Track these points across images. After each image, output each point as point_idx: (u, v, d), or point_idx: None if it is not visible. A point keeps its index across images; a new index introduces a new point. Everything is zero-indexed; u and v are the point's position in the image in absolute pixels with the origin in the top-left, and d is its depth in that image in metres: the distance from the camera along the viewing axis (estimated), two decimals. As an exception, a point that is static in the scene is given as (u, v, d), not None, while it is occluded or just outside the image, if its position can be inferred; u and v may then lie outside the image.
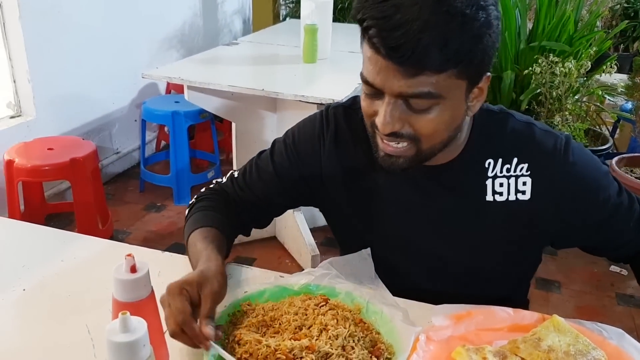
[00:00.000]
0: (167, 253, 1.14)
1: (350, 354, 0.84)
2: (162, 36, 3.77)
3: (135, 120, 3.58)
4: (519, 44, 3.45)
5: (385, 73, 0.84)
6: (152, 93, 3.72)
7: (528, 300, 1.24)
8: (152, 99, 3.34)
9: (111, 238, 2.79)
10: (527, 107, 3.21)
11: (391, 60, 0.82)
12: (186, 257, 1.13)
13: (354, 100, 1.08)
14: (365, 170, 1.06)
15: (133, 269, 0.73)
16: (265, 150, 1.17)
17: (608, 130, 3.42)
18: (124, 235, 2.86)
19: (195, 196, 1.17)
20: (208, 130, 3.36)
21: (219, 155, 3.43)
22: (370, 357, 0.86)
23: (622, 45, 5.04)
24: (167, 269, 1.09)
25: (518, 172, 1.00)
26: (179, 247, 2.76)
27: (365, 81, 0.88)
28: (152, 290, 0.75)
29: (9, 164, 2.42)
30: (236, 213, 1.13)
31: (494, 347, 0.89)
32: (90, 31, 3.13)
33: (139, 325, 0.63)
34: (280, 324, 0.91)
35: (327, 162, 1.09)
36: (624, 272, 2.70)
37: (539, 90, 3.16)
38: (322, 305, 0.94)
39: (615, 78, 3.35)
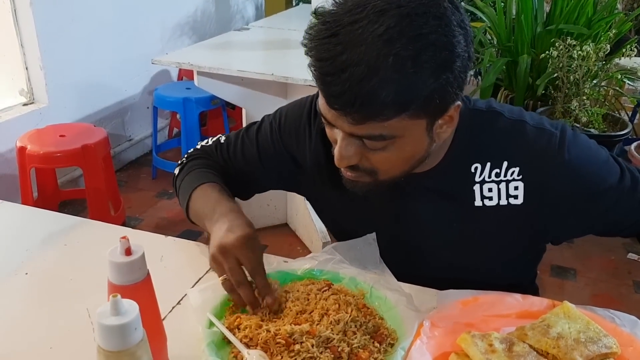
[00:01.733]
0: (170, 238, 1.13)
1: (352, 339, 0.82)
2: (174, 23, 3.76)
3: (148, 107, 3.58)
4: (535, 27, 3.38)
5: (334, 114, 0.79)
6: (165, 80, 3.72)
7: (537, 286, 1.20)
8: (163, 85, 3.34)
9: (123, 224, 2.80)
10: (543, 92, 3.15)
11: (332, 109, 0.77)
12: (189, 242, 1.12)
13: None
14: None
15: (128, 252, 0.71)
16: (254, 124, 1.13)
17: (627, 115, 3.34)
18: (136, 222, 2.87)
19: (184, 156, 1.14)
20: (220, 117, 3.34)
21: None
22: (373, 342, 0.84)
23: (643, 29, 4.91)
24: (169, 254, 1.09)
25: (509, 177, 0.94)
26: (191, 234, 2.76)
27: (321, 113, 0.84)
28: (148, 273, 0.74)
29: (22, 150, 2.43)
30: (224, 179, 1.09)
31: (501, 334, 0.86)
32: (103, 18, 3.12)
33: (131, 308, 0.61)
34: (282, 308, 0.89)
35: (312, 153, 1.05)
36: (643, 259, 2.65)
37: (555, 75, 3.09)
38: (325, 290, 0.92)
39: (636, 61, 3.26)
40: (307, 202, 2.66)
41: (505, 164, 0.94)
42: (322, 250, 1.03)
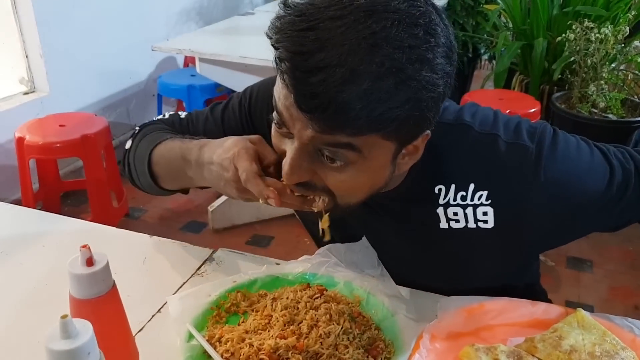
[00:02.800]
0: (155, 238, 1.06)
1: (343, 354, 0.75)
2: (179, 8, 3.67)
3: (153, 95, 3.51)
4: (551, 10, 3.27)
5: (296, 116, 0.68)
6: (170, 67, 3.64)
7: (545, 290, 1.11)
8: (168, 72, 3.27)
9: (126, 216, 2.75)
10: (560, 76, 3.05)
11: (300, 110, 0.66)
12: (174, 243, 1.05)
13: None
14: None
15: (89, 262, 0.64)
16: (220, 104, 1.01)
17: (646, 99, 3.21)
18: (140, 214, 2.82)
19: (136, 128, 1.02)
20: (226, 105, 3.27)
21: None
22: (367, 356, 0.76)
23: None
24: (153, 256, 1.02)
25: (476, 201, 0.83)
26: (196, 226, 2.70)
27: (275, 109, 0.72)
28: (114, 285, 0.67)
29: (20, 141, 2.37)
30: None
31: (508, 347, 0.78)
32: (105, 3, 3.05)
33: (84, 329, 0.54)
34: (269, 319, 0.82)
35: None
36: (662, 251, 2.55)
37: (572, 59, 2.99)
38: (317, 298, 0.85)
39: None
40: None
41: (472, 186, 0.83)
42: (316, 252, 0.96)
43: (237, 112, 0.98)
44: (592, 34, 2.83)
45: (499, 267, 0.92)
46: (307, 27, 0.64)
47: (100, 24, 3.04)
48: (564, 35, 2.90)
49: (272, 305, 0.84)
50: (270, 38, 0.67)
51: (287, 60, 0.64)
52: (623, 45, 2.97)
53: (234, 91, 2.84)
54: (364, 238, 0.94)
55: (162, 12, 3.51)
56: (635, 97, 3.11)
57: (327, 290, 0.88)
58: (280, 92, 0.70)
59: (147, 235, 1.07)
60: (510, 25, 3.52)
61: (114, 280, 0.67)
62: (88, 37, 2.98)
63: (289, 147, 0.72)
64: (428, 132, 0.75)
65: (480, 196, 0.83)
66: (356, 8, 0.63)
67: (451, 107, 0.88)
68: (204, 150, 0.83)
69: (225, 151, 0.79)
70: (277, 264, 0.98)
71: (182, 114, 1.03)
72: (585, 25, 2.85)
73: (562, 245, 0.94)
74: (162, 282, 0.95)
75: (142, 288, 0.92)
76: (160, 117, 1.04)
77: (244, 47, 2.39)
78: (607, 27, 2.84)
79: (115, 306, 0.67)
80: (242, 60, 2.26)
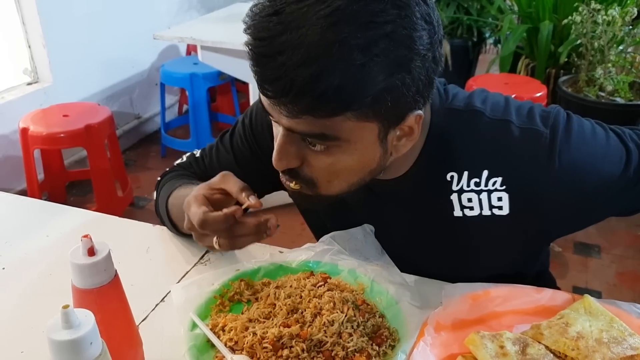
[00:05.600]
0: (158, 227, 1.06)
1: (347, 342, 0.74)
2: (181, -5, 3.65)
3: (157, 84, 3.50)
4: (557, -9, 3.22)
5: (271, 105, 0.68)
6: (173, 55, 3.63)
7: (553, 277, 1.10)
8: (170, 61, 3.26)
9: (131, 205, 2.75)
10: (566, 59, 3.02)
11: (265, 96, 0.66)
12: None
13: None
14: None
15: (91, 252, 0.64)
16: (227, 131, 1.04)
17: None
18: (145, 202, 2.82)
19: (158, 178, 1.06)
20: (229, 93, 3.26)
21: (237, 119, 3.33)
22: (371, 344, 0.76)
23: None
24: (157, 245, 1.02)
25: (490, 187, 0.82)
26: (200, 214, 2.70)
27: (260, 103, 0.73)
28: (116, 274, 0.67)
29: (24, 132, 2.37)
30: None
31: (514, 334, 0.77)
32: (106, -8, 3.04)
33: (86, 319, 0.54)
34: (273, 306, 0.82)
35: None
36: (671, 235, 2.53)
37: (579, 42, 2.97)
38: (320, 286, 0.84)
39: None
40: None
41: (485, 173, 0.82)
42: (319, 240, 0.95)
43: (242, 134, 1.00)
44: (599, 16, 2.79)
45: (512, 255, 0.91)
46: (273, 12, 0.63)
47: (102, 13, 3.02)
48: (570, 17, 2.86)
49: (275, 293, 0.83)
50: (245, 24, 0.67)
51: (251, 45, 0.65)
52: (631, 27, 2.93)
53: (236, 79, 2.83)
54: (365, 225, 0.93)
55: (164, 0, 3.49)
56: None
57: (330, 278, 0.87)
58: (254, 78, 0.69)
59: (151, 225, 1.07)
60: (516, 8, 3.48)
61: (116, 270, 0.66)
62: (90, 27, 2.97)
63: (279, 134, 0.72)
64: (420, 112, 0.73)
65: (495, 182, 0.82)
66: None
67: (460, 93, 0.86)
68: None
69: (185, 205, 0.82)
70: (281, 252, 0.97)
71: (197, 153, 1.06)
72: (592, 7, 2.81)
73: (577, 231, 0.92)
74: (166, 271, 0.95)
75: (146, 277, 0.92)
76: (178, 161, 1.07)
77: (245, 34, 2.38)
78: (615, 8, 2.80)
79: (118, 296, 0.67)
80: (244, 48, 2.24)
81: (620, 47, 2.97)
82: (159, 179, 1.06)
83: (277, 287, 0.85)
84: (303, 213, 1.06)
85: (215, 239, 0.79)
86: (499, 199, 0.83)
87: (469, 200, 0.84)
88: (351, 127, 0.67)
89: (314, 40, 0.60)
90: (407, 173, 0.84)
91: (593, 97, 2.84)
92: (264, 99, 0.69)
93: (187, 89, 3.00)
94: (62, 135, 2.37)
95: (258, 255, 0.96)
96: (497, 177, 0.82)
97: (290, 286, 0.84)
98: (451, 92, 0.86)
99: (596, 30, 2.83)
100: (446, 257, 0.92)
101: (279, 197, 1.00)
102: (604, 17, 2.78)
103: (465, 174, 0.83)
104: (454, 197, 0.84)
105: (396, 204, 0.90)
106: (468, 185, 0.83)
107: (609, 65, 2.86)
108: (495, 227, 0.85)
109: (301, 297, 0.82)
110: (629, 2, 2.96)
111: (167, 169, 1.08)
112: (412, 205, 0.89)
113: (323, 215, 1.01)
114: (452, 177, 0.84)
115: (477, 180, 0.83)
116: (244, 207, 0.79)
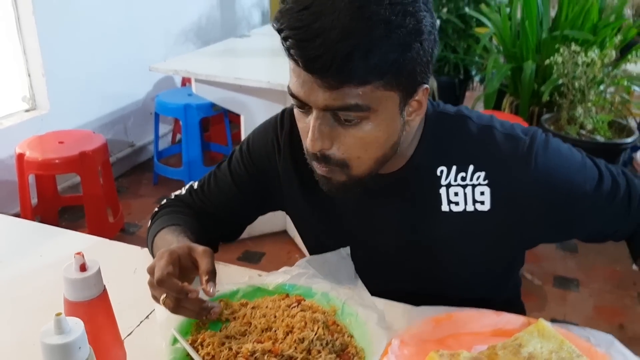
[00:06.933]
0: (146, 250, 1.12)
1: (316, 358, 0.81)
2: (178, 29, 3.77)
3: (151, 114, 3.59)
4: (540, 33, 3.35)
5: (308, 86, 0.78)
6: (169, 86, 3.73)
7: (523, 303, 1.17)
8: (165, 92, 3.35)
9: (122, 231, 2.80)
10: (548, 98, 3.12)
11: (310, 73, 0.76)
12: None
13: None
14: None
15: (83, 268, 0.70)
16: (223, 160, 1.12)
17: (636, 121, 3.28)
18: (135, 229, 2.87)
19: (156, 208, 1.12)
20: (222, 123, 3.35)
21: (233, 148, 3.41)
22: (339, 361, 0.82)
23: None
24: (144, 266, 1.06)
25: (474, 181, 0.92)
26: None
27: (291, 94, 0.82)
28: (105, 289, 0.73)
29: (20, 157, 2.44)
30: (200, 225, 1.07)
31: (471, 353, 0.84)
32: (105, 25, 3.14)
33: (76, 326, 0.60)
34: (249, 325, 0.88)
35: (283, 166, 1.03)
36: (647, 270, 2.60)
37: (561, 81, 3.06)
38: (294, 307, 0.91)
39: (643, 68, 3.21)
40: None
41: (471, 167, 0.92)
42: (295, 264, 1.02)
43: (240, 158, 1.08)
44: (579, 58, 2.90)
45: (489, 259, 0.99)
46: (303, 8, 0.74)
47: (100, 44, 3.13)
48: (552, 58, 2.97)
49: (251, 313, 0.89)
50: (276, 25, 0.77)
51: (291, 36, 0.75)
52: (611, 68, 3.05)
53: (229, 110, 2.92)
54: (341, 249, 1.00)
55: (161, 33, 3.60)
56: (623, 119, 3.19)
57: (304, 300, 0.93)
58: (292, 76, 0.80)
59: (139, 247, 1.13)
60: (501, 48, 3.60)
61: (104, 286, 0.73)
62: (89, 58, 3.07)
63: (311, 119, 0.81)
64: (426, 85, 0.84)
65: (479, 177, 0.92)
66: None
67: (448, 105, 0.98)
68: None
69: (159, 254, 0.85)
70: (259, 275, 1.03)
71: (195, 184, 1.13)
72: (572, 49, 2.93)
73: (551, 243, 1.00)
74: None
75: (132, 296, 0.98)
76: (177, 193, 1.14)
77: (239, 69, 2.47)
78: (594, 51, 2.92)
79: (106, 309, 0.73)
80: (235, 81, 2.34)
81: (601, 87, 3.07)
82: (156, 209, 1.12)
83: (253, 308, 0.91)
84: (299, 229, 1.13)
85: (164, 295, 0.82)
86: (482, 193, 0.92)
87: (456, 194, 0.93)
88: (379, 96, 0.78)
89: (346, 22, 0.72)
90: (403, 167, 0.94)
91: (574, 135, 2.94)
92: (299, 89, 0.79)
93: (181, 119, 3.08)
94: (56, 161, 2.44)
95: (237, 278, 1.02)
96: (481, 171, 0.92)
97: (266, 307, 0.91)
98: (441, 103, 0.98)
99: (577, 71, 2.93)
100: (429, 254, 0.98)
101: (268, 226, 1.06)
102: (584, 58, 2.89)
103: (454, 168, 0.93)
104: (443, 190, 0.94)
105: (389, 200, 0.97)
106: (455, 180, 0.93)
107: (589, 104, 2.96)
108: (477, 224, 0.93)
109: (275, 316, 0.88)
110: (607, 45, 3.08)
111: (166, 200, 1.13)
112: (403, 201, 0.97)
113: (317, 227, 1.07)
114: (441, 171, 0.93)
115: (464, 174, 0.92)
116: (199, 288, 0.82)
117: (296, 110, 0.86)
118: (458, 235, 0.95)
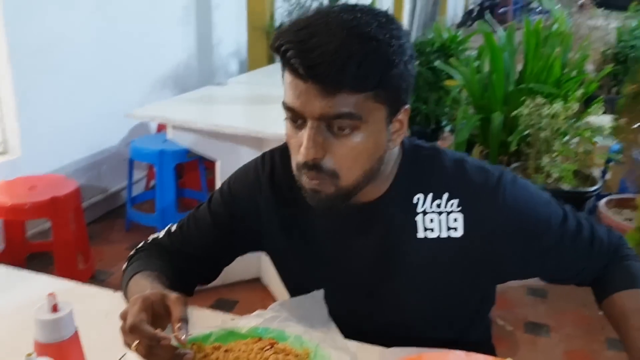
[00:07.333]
0: (119, 293, 1.11)
1: (289, 399, 0.80)
2: (155, 76, 3.81)
3: (125, 159, 3.58)
4: (507, 86, 3.48)
5: (305, 96, 0.84)
6: (144, 132, 3.74)
7: (493, 345, 1.19)
8: (140, 138, 3.36)
9: (92, 278, 2.75)
10: (516, 147, 3.22)
11: (310, 79, 0.82)
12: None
13: None
14: (302, 213, 1.02)
15: (55, 309, 0.70)
16: (202, 203, 1.14)
17: (599, 171, 3.40)
18: (106, 276, 2.82)
19: (132, 251, 1.12)
20: (197, 170, 3.36)
21: (208, 194, 3.40)
22: (311, 404, 0.82)
23: (615, 88, 5.08)
24: (116, 311, 1.06)
25: (449, 208, 0.97)
26: (161, 288, 2.71)
27: (287, 108, 0.88)
28: (76, 331, 0.73)
29: (-11, 202, 2.41)
30: (177, 268, 1.07)
31: (442, 395, 0.85)
32: (82, 70, 3.16)
33: (46, 367, 0.60)
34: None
35: (264, 205, 1.06)
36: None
37: (527, 132, 3.16)
38: (267, 349, 0.91)
39: (605, 120, 3.35)
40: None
41: (446, 195, 0.97)
42: (269, 307, 1.02)
43: (220, 199, 1.10)
44: (544, 110, 3.02)
45: (461, 290, 1.02)
46: (302, 27, 0.83)
47: (76, 90, 3.14)
48: (518, 110, 3.09)
49: (224, 356, 0.89)
50: (275, 44, 0.85)
51: (291, 48, 0.82)
52: (574, 120, 3.17)
53: (204, 157, 2.93)
54: (315, 292, 1.01)
55: (137, 80, 3.63)
56: (587, 168, 3.30)
57: (278, 343, 0.94)
58: (288, 90, 0.86)
59: (111, 290, 1.12)
60: (470, 99, 3.72)
61: (76, 327, 0.73)
62: (64, 103, 3.07)
63: (305, 132, 0.86)
64: (407, 106, 0.92)
65: (453, 204, 0.97)
66: (332, 12, 0.85)
67: (423, 141, 1.04)
68: None
69: (133, 300, 0.86)
70: (232, 319, 1.03)
71: (174, 227, 1.13)
72: (537, 101, 3.05)
73: (518, 279, 1.05)
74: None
75: (104, 339, 0.96)
76: (154, 236, 1.15)
77: (216, 115, 2.51)
78: (558, 103, 3.04)
79: (77, 350, 0.73)
80: (212, 128, 2.37)
81: (566, 138, 3.19)
82: (132, 252, 1.12)
83: (226, 351, 0.91)
84: (278, 268, 1.14)
85: (136, 342, 0.82)
86: (455, 219, 0.97)
87: (431, 221, 0.97)
88: (370, 107, 0.85)
89: (342, 36, 0.81)
90: (382, 196, 0.98)
91: (541, 184, 3.02)
92: (295, 100, 0.85)
93: (156, 164, 3.08)
94: (27, 206, 2.41)
95: (210, 322, 1.01)
96: (455, 199, 0.97)
97: (239, 350, 0.91)
98: (415, 139, 1.04)
99: (542, 122, 3.04)
100: (405, 281, 1.00)
101: (242, 272, 1.07)
102: (548, 110, 3.01)
103: (430, 195, 0.98)
104: (419, 218, 0.98)
105: (367, 229, 1.00)
106: (431, 207, 0.97)
107: (554, 154, 3.06)
108: (450, 250, 0.97)
109: (248, 359, 0.88)
110: (570, 98, 3.21)
111: (143, 244, 1.13)
112: (382, 228, 1.00)
113: (295, 264, 1.09)
114: (418, 199, 0.98)
115: (439, 202, 0.97)
116: (171, 336, 0.82)
117: (289, 125, 0.90)
118: (431, 262, 0.98)
